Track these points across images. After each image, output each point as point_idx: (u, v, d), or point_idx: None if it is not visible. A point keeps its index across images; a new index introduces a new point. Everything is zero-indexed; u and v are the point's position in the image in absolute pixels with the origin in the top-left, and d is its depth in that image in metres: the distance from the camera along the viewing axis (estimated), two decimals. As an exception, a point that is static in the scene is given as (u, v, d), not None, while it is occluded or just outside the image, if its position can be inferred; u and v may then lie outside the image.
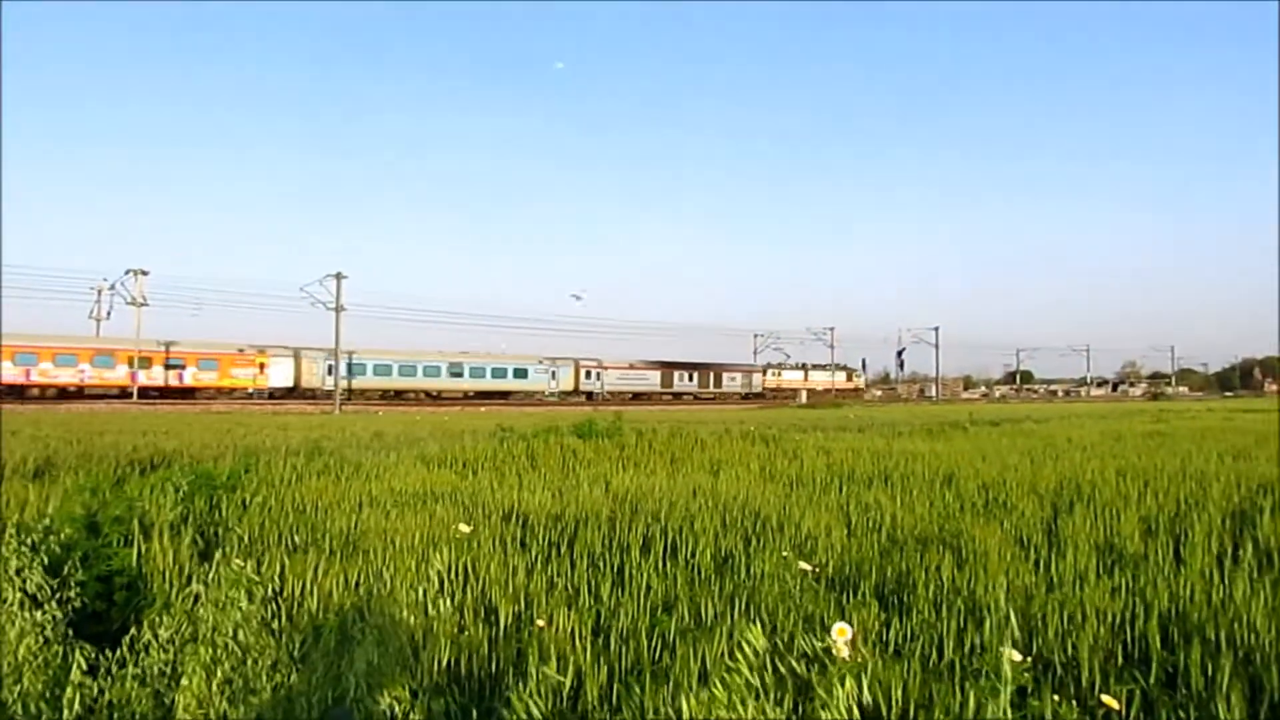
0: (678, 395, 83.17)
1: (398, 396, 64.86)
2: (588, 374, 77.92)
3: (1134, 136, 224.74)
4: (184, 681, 3.09)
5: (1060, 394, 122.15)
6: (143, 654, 3.43)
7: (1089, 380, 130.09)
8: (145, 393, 54.98)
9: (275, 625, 4.05)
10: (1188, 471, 10.32)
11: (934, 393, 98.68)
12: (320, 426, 24.32)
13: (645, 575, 5.15)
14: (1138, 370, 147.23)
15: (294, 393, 61.83)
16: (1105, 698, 3.18)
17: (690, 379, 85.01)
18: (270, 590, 4.53)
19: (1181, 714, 3.36)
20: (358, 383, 63.92)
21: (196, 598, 3.83)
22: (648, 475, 10.21)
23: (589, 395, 76.01)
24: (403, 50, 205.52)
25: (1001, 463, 11.59)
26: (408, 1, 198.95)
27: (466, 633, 4.11)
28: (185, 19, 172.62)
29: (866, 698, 2.82)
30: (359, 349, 63.78)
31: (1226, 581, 4.95)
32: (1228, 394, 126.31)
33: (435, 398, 65.54)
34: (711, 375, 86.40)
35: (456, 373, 69.18)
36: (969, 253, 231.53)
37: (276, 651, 3.44)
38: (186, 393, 57.85)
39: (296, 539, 6.42)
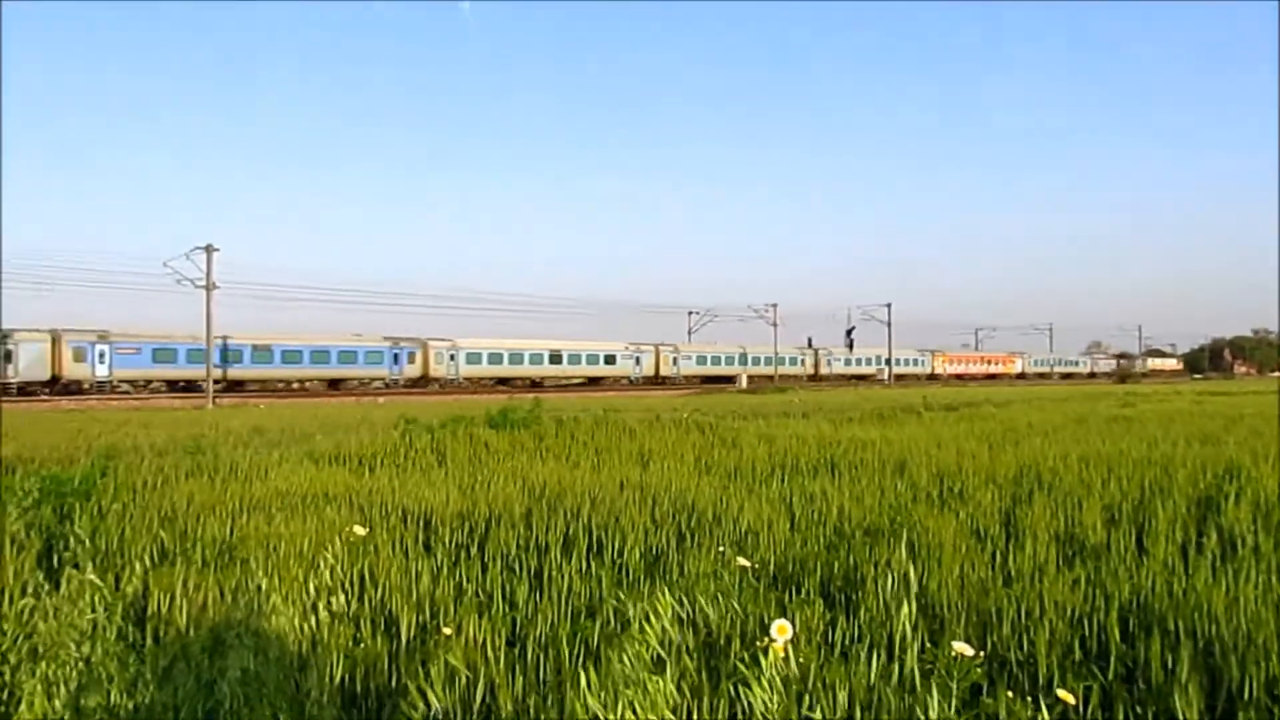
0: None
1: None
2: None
3: (1102, 109, 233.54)
4: (21, 707, 2.99)
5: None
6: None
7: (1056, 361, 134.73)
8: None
9: (136, 641, 3.96)
10: (1153, 457, 10.79)
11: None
12: (190, 423, 23.66)
13: (566, 577, 5.19)
14: (1104, 351, 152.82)
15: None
16: (1061, 693, 3.34)
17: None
18: (130, 604, 4.42)
19: (1139, 709, 3.54)
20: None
21: (34, 613, 3.71)
22: (569, 468, 10.24)
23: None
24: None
25: (957, 449, 11.93)
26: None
27: (363, 645, 4.08)
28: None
29: (792, 670, 2.91)
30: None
31: (1189, 571, 5.22)
32: (1197, 376, 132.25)
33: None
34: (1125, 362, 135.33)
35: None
36: (922, 227, 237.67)
37: (137, 667, 3.36)
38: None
39: (163, 549, 6.26)
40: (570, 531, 6.57)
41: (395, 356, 71.04)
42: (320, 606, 4.37)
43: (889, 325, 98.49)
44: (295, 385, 66.20)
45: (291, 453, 12.30)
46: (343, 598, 4.70)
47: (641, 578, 5.36)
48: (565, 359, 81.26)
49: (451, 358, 74.08)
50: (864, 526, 6.72)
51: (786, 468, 10.37)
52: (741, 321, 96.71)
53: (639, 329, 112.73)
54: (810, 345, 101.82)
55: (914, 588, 4.80)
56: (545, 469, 10.07)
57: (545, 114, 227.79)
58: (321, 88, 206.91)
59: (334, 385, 67.34)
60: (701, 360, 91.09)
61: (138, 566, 5.41)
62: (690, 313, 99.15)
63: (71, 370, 57.63)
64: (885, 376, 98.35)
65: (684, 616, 3.87)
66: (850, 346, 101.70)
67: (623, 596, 4.51)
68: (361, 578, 5.12)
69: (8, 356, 55.37)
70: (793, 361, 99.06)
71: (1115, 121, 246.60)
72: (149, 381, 60.59)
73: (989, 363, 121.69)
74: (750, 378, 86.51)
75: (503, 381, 75.00)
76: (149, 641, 4.29)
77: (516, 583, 5.16)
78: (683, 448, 12.67)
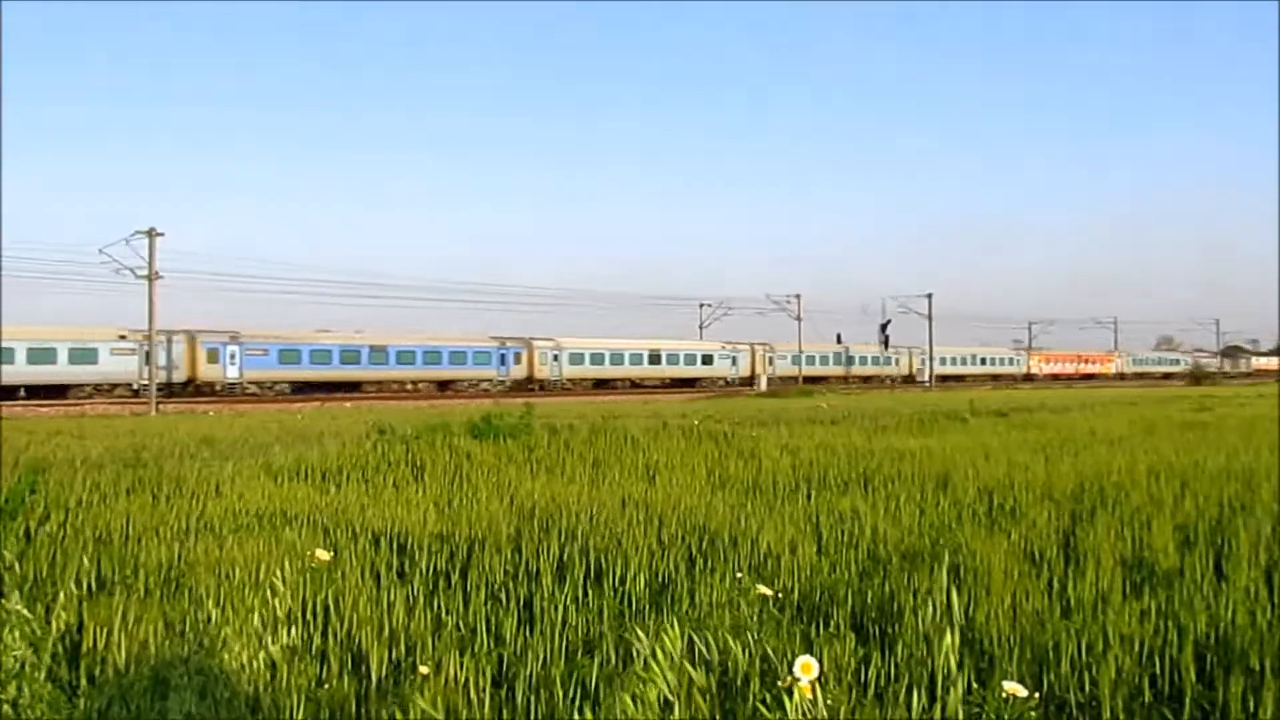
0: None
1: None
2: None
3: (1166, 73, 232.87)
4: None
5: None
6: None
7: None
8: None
9: (69, 681, 3.95)
10: (1233, 470, 10.77)
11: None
12: (130, 433, 23.70)
13: (561, 608, 5.19)
14: (1175, 347, 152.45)
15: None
16: (1129, 739, 3.33)
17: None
18: (62, 639, 4.42)
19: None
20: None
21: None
22: (564, 483, 10.26)
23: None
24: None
25: (1008, 461, 11.94)
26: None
27: (328, 685, 4.07)
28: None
29: (820, 713, 2.90)
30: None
31: (1275, 600, 5.21)
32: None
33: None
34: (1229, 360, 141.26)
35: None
36: (966, 209, 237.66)
37: (69, 711, 3.35)
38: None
39: (100, 576, 6.26)
40: (565, 555, 6.57)
41: (502, 357, 78.41)
42: (278, 641, 4.36)
43: (929, 319, 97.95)
44: (409, 386, 72.07)
45: (246, 466, 12.30)
46: (305, 631, 4.70)
47: (646, 608, 5.36)
48: (664, 359, 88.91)
49: (555, 358, 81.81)
50: (902, 550, 6.72)
51: (813, 482, 10.37)
52: (760, 315, 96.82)
53: (640, 324, 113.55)
54: (840, 341, 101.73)
55: (957, 615, 4.79)
56: (537, 484, 10.09)
57: (543, 110, 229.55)
58: (321, 83, 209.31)
59: (443, 386, 73.23)
60: (796, 360, 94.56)
61: (65, 596, 5.41)
62: (701, 305, 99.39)
63: (205, 372, 62.60)
64: (925, 377, 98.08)
65: (697, 652, 3.86)
66: (885, 343, 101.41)
67: (639, 633, 4.49)
68: (326, 608, 5.12)
69: (147, 357, 57.23)
70: (884, 361, 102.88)
71: (1124, 115, 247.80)
72: (275, 383, 66.00)
73: (1086, 361, 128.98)
74: (770, 379, 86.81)
75: (602, 383, 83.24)
76: (83, 682, 4.28)
77: (503, 614, 5.16)
78: (693, 459, 12.68)
